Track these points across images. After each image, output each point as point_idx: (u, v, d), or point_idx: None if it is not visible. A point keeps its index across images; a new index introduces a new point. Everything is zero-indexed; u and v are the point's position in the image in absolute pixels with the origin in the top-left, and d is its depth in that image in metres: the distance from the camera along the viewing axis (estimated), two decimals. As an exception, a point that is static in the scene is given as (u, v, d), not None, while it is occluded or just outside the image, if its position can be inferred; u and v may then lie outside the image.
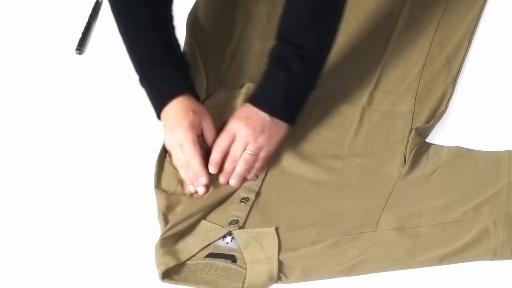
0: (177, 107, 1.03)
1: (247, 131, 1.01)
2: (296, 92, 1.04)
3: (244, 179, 1.02)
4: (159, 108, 1.05)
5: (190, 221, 0.97)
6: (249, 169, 1.02)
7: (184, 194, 1.02)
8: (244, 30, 1.24)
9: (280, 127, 1.03)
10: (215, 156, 1.02)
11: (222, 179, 1.02)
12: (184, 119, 1.01)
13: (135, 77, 1.07)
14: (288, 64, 1.02)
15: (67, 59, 1.27)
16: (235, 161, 1.02)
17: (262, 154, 1.02)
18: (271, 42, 1.14)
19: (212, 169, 1.02)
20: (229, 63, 1.19)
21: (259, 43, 1.20)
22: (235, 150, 1.02)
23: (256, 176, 1.03)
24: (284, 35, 1.03)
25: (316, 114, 1.08)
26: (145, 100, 1.09)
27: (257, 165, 1.02)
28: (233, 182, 1.02)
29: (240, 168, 1.01)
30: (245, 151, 1.01)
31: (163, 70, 1.06)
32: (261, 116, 1.02)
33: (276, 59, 1.03)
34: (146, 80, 1.07)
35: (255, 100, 1.04)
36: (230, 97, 1.13)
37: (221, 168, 1.03)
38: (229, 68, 1.19)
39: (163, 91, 1.05)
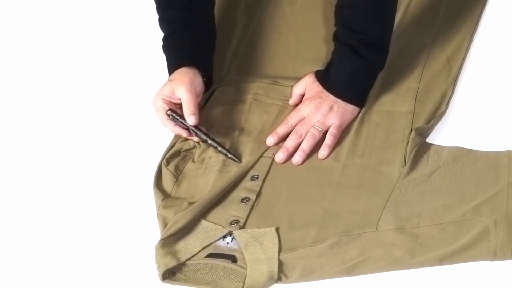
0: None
1: (316, 111, 1.05)
2: (364, 75, 1.08)
3: (308, 156, 1.04)
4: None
5: (189, 221, 0.97)
6: (314, 145, 1.04)
7: (181, 197, 1.02)
8: (246, 29, 1.24)
9: (349, 107, 1.06)
10: (280, 130, 1.07)
11: (280, 155, 1.04)
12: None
13: (135, 77, 1.06)
14: (354, 49, 1.05)
15: (67, 58, 1.27)
16: (299, 138, 1.05)
17: (333, 130, 1.05)
18: (274, 39, 1.14)
19: (271, 140, 1.06)
20: (230, 62, 1.20)
21: (262, 41, 1.21)
22: (301, 128, 1.05)
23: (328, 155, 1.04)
24: (345, 23, 1.06)
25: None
26: (145, 100, 1.10)
27: (328, 142, 1.04)
28: (297, 158, 1.04)
29: (306, 144, 1.04)
30: (313, 126, 1.05)
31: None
32: (331, 97, 1.06)
33: (342, 44, 1.07)
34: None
35: (324, 82, 1.07)
36: (237, 94, 1.14)
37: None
38: (231, 67, 1.19)
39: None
